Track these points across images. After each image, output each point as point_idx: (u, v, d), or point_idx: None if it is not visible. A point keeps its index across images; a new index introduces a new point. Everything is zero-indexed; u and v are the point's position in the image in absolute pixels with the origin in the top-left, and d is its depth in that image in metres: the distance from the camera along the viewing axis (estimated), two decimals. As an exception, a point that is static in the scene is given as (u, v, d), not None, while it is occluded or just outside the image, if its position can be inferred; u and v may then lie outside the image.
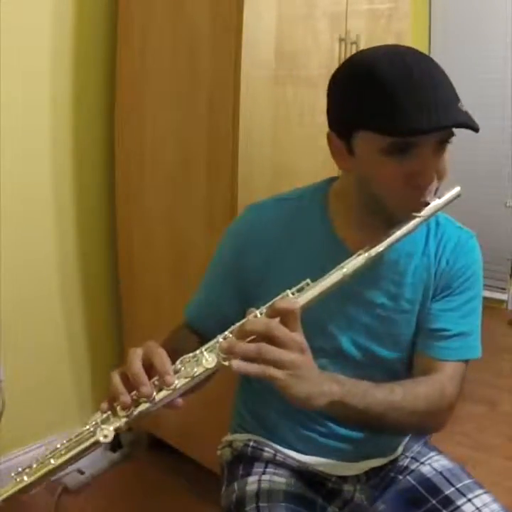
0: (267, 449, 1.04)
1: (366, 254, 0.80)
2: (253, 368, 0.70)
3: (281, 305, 0.74)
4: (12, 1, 1.53)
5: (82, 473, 1.81)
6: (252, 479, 0.98)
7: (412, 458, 1.01)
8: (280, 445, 1.03)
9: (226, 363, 0.72)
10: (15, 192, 1.64)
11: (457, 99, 0.79)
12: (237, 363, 0.70)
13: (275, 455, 1.03)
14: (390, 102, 0.77)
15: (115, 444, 1.94)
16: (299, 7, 1.56)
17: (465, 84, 3.04)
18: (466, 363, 0.95)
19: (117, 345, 1.96)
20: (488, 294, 3.17)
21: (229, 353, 0.71)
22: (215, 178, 1.55)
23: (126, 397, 0.69)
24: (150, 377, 0.71)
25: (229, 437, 1.10)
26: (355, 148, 0.85)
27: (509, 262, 3.28)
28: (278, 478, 0.98)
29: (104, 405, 0.71)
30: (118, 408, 0.70)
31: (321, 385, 0.76)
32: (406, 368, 0.98)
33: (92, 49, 1.75)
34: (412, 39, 2.20)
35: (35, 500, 1.72)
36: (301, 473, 1.02)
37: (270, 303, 0.75)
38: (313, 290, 0.77)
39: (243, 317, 0.75)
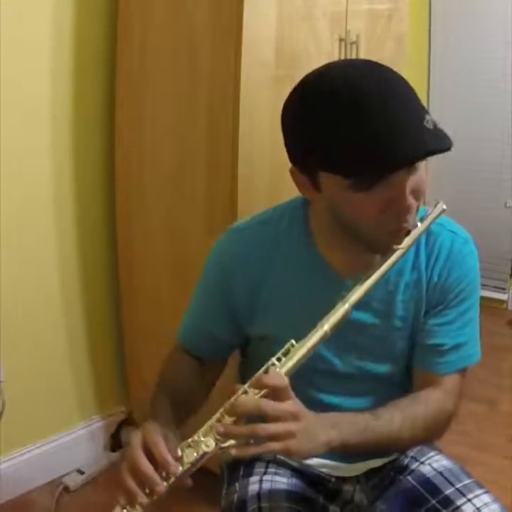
0: (267, 449, 1.04)
1: (346, 306, 0.80)
2: (252, 450, 0.75)
3: (270, 382, 0.76)
4: (12, 1, 1.53)
5: (82, 473, 1.81)
6: (253, 479, 0.98)
7: (412, 457, 1.00)
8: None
9: (224, 445, 0.76)
10: (15, 192, 1.63)
11: (422, 117, 0.72)
12: (236, 450, 0.75)
13: (275, 455, 1.02)
14: (344, 141, 0.72)
15: (115, 444, 1.94)
16: (299, 7, 1.56)
17: (465, 84, 3.06)
18: (466, 370, 0.94)
19: (117, 345, 1.96)
20: (488, 294, 3.16)
21: (225, 437, 0.76)
22: (215, 178, 1.55)
23: (143, 499, 0.76)
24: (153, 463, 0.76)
25: (229, 437, 1.11)
26: (321, 185, 0.81)
27: (509, 262, 3.27)
28: (279, 478, 0.98)
29: (122, 500, 0.77)
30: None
31: (319, 437, 0.78)
32: (404, 379, 0.97)
33: (92, 49, 1.75)
34: (411, 40, 2.20)
35: (35, 500, 1.72)
36: (302, 473, 1.02)
37: (257, 376, 0.78)
38: (298, 353, 0.79)
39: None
